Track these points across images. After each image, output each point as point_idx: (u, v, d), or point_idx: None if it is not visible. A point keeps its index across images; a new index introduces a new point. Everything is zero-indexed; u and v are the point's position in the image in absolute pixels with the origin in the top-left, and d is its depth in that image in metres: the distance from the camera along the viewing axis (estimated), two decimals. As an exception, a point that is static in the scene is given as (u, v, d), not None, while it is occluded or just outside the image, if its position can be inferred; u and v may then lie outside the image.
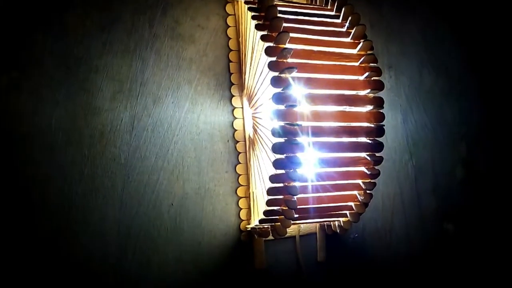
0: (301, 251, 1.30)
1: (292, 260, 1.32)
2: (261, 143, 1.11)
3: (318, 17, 1.10)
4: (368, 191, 1.04)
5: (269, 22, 0.97)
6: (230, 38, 1.30)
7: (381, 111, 1.03)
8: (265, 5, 0.99)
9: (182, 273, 1.20)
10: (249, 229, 1.21)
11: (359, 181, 1.05)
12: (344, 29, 1.09)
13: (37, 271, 1.06)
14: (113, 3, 1.18)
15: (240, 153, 1.29)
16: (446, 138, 1.65)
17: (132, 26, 1.20)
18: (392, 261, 1.50)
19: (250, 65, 1.14)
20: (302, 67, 0.98)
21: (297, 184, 0.96)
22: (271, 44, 0.96)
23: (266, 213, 1.00)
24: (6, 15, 1.07)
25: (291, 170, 0.95)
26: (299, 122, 0.94)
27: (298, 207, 0.97)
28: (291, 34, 0.98)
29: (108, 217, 1.12)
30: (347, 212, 1.09)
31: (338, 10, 1.13)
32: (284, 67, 0.93)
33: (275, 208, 1.00)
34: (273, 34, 0.98)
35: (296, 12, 1.08)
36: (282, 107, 0.93)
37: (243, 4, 1.16)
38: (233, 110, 1.29)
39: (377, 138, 1.04)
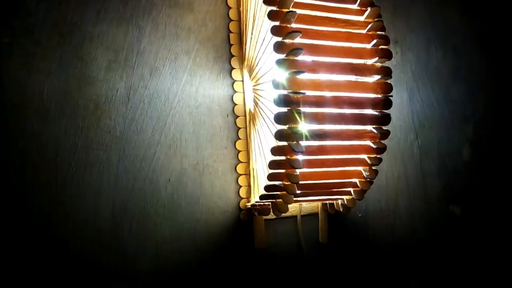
0: (302, 231, 1.26)
1: (293, 240, 1.29)
2: (262, 117, 1.07)
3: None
4: (373, 167, 1.00)
5: (281, 1, 0.92)
6: (230, 8, 1.26)
7: (388, 81, 0.99)
8: None
9: (180, 252, 1.16)
10: (249, 206, 1.16)
11: (365, 156, 1.01)
12: (356, 6, 1.04)
13: (29, 246, 1.03)
14: None
15: (240, 128, 1.26)
16: (452, 118, 1.62)
17: None
18: (395, 242, 1.48)
19: (252, 35, 1.09)
20: (306, 33, 0.94)
21: (300, 157, 0.91)
22: (274, 7, 0.90)
23: (267, 188, 0.96)
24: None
25: (294, 142, 0.90)
26: (302, 91, 0.88)
27: (300, 182, 0.92)
28: (299, 10, 0.95)
29: (103, 192, 1.09)
30: (351, 189, 1.04)
31: None
32: (288, 32, 0.87)
33: (276, 183, 0.96)
34: (280, 10, 0.92)
35: None
36: (285, 74, 0.87)
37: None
38: (233, 83, 1.26)
39: (384, 110, 0.99)
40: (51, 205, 1.04)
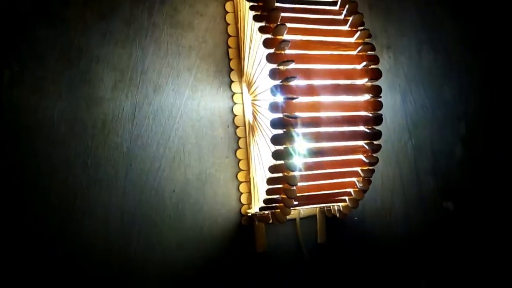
0: (301, 233, 1.34)
1: (292, 242, 1.37)
2: (260, 130, 1.14)
3: (315, 4, 1.12)
4: (366, 178, 1.08)
5: (267, 13, 0.99)
6: (228, 24, 1.32)
7: (379, 99, 1.05)
8: None
9: (185, 258, 1.24)
10: (250, 214, 1.24)
11: (358, 169, 1.08)
12: (341, 17, 1.11)
13: (42, 261, 1.11)
14: None
15: (240, 138, 1.32)
16: (445, 118, 1.66)
17: (131, 16, 1.22)
18: (392, 240, 1.54)
19: (249, 53, 1.16)
20: (300, 58, 1.01)
21: (296, 173, 0.99)
22: (269, 36, 0.97)
23: (266, 201, 1.04)
24: (6, 9, 1.10)
25: (290, 161, 0.98)
26: (297, 113, 0.96)
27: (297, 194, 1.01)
28: (289, 25, 1.01)
29: (112, 206, 1.16)
30: (346, 197, 1.12)
31: None
32: (282, 60, 0.95)
33: (274, 196, 1.04)
34: (271, 25, 0.99)
35: (294, 0, 1.09)
36: (280, 99, 0.95)
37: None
38: (232, 96, 1.32)
39: (375, 127, 1.05)
40: (62, 222, 1.12)
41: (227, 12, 1.32)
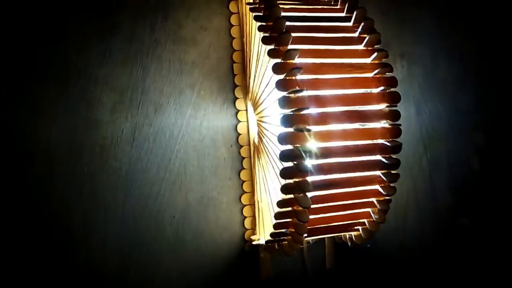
0: (308, 258, 1.32)
1: (299, 268, 1.34)
2: (266, 154, 1.12)
3: (327, 21, 1.09)
4: (383, 210, 1.04)
5: (277, 35, 0.95)
6: (233, 38, 1.29)
7: (397, 126, 1.03)
8: (272, 15, 0.98)
9: (187, 286, 1.23)
10: (255, 242, 1.21)
11: (373, 199, 1.04)
12: (356, 35, 1.07)
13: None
14: (112, 10, 1.18)
15: (244, 158, 1.30)
16: (462, 129, 1.63)
17: (132, 33, 1.20)
18: (406, 263, 1.51)
19: (255, 72, 1.12)
20: (311, 84, 0.98)
21: (306, 207, 0.96)
22: (279, 60, 0.95)
23: (273, 235, 1.00)
24: (4, 27, 1.08)
25: (301, 195, 0.94)
26: (308, 146, 0.96)
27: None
28: (300, 46, 0.98)
29: (110, 234, 1.14)
30: (360, 227, 1.09)
31: (349, 11, 1.10)
32: (293, 87, 0.93)
33: (282, 230, 1.00)
34: (281, 48, 0.96)
35: (304, 17, 1.07)
36: (290, 129, 0.94)
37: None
38: (236, 113, 1.30)
39: (393, 155, 1.03)
40: (57, 249, 1.10)
41: (232, 26, 1.29)
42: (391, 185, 1.05)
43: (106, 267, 1.12)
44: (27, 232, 1.07)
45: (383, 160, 1.03)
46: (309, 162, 0.96)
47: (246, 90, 1.27)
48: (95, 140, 1.12)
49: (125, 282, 1.13)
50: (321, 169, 0.97)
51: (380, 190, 1.04)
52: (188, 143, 1.23)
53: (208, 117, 1.26)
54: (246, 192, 1.26)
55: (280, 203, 0.97)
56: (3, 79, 1.05)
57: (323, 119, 0.98)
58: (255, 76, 1.14)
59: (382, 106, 1.03)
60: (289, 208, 0.98)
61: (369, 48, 1.07)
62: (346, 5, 1.10)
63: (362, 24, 1.05)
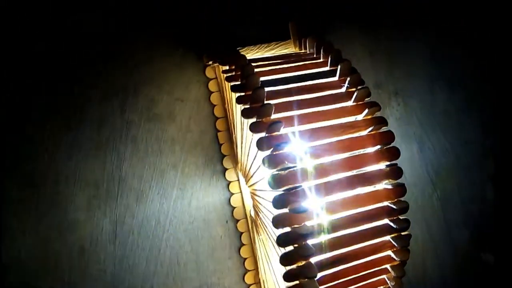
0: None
1: None
2: (265, 231, 1.06)
3: (311, 78, 1.04)
4: (398, 276, 0.96)
5: (258, 106, 0.91)
6: (215, 105, 1.24)
7: (401, 185, 0.97)
8: (251, 85, 0.94)
9: None
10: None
11: (387, 266, 0.97)
12: (343, 90, 1.02)
13: None
14: (74, 95, 1.13)
15: (242, 233, 1.23)
16: (471, 159, 1.58)
17: (100, 117, 1.15)
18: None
19: (242, 142, 1.06)
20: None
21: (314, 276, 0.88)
22: (263, 134, 0.91)
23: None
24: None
25: (306, 280, 0.86)
26: (307, 224, 0.90)
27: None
28: (286, 114, 0.95)
29: None
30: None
31: (333, 64, 1.05)
32: (282, 163, 0.89)
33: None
34: (264, 121, 0.91)
35: (286, 79, 1.02)
36: (285, 211, 0.88)
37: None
38: (228, 185, 1.24)
39: (400, 216, 0.98)
40: None
41: (211, 92, 1.24)
42: (403, 248, 0.98)
43: None
44: None
45: (391, 224, 0.97)
46: (311, 242, 0.89)
47: (235, 158, 1.21)
48: (72, 244, 1.06)
49: None
50: (325, 247, 0.89)
51: (392, 255, 0.97)
52: (178, 229, 1.17)
53: (197, 195, 1.20)
54: (249, 270, 1.20)
55: (286, 276, 0.90)
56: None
57: (319, 191, 0.92)
58: (242, 146, 1.08)
59: (382, 165, 0.98)
60: (296, 282, 0.90)
61: (359, 103, 1.00)
62: (329, 58, 1.04)
63: (349, 78, 0.99)
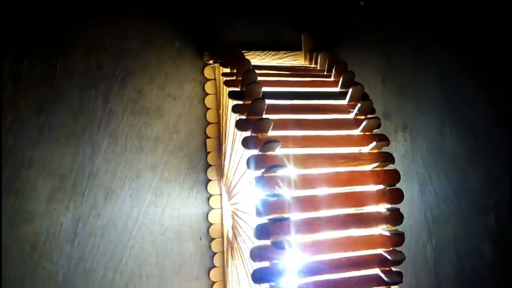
0: None
1: None
2: (241, 257, 0.98)
3: (317, 97, 0.97)
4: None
5: (255, 119, 0.84)
6: (208, 109, 1.17)
7: (400, 233, 0.90)
8: (251, 94, 0.87)
9: None
10: None
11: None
12: (351, 116, 0.96)
13: None
14: (56, 76, 1.06)
15: (215, 253, 1.16)
16: (472, 210, 1.51)
17: (81, 104, 1.07)
18: None
19: (231, 154, 0.99)
20: (295, 181, 0.85)
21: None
22: (256, 151, 0.83)
23: None
24: None
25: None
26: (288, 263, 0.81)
27: None
28: (283, 132, 0.88)
29: None
30: None
31: (344, 85, 0.99)
32: (273, 188, 0.81)
33: None
34: (260, 136, 0.85)
35: (291, 93, 0.96)
36: (266, 243, 0.80)
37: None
38: (209, 198, 1.17)
39: (393, 268, 0.90)
40: None
41: (207, 94, 1.17)
42: (396, 301, 0.88)
43: None
44: None
45: (382, 275, 0.89)
46: (289, 282, 0.81)
47: (221, 171, 1.14)
48: (25, 238, 0.98)
49: None
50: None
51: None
52: (146, 238, 1.09)
53: (173, 204, 1.13)
54: (216, 296, 1.08)
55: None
56: None
57: (308, 227, 0.84)
58: (230, 159, 1.00)
59: (382, 207, 0.91)
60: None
61: (367, 133, 0.94)
62: (341, 78, 0.97)
63: (359, 104, 0.93)
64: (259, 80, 0.89)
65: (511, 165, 1.57)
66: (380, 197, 0.90)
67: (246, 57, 1.04)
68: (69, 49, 1.06)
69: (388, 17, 1.41)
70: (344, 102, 0.98)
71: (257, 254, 0.80)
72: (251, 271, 0.81)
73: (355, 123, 0.95)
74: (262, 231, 0.79)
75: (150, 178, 1.11)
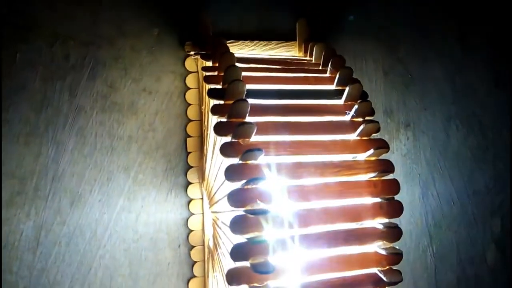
0: None
1: None
2: (222, 271, 0.92)
3: (310, 96, 0.91)
4: None
5: (236, 123, 0.77)
6: (189, 104, 1.11)
7: (399, 252, 0.83)
8: (233, 93, 0.79)
9: None
10: None
11: None
12: (348, 118, 0.89)
13: None
14: (15, 66, 0.98)
15: (195, 262, 1.10)
16: (477, 215, 1.47)
17: (43, 98, 1.01)
18: None
19: (212, 158, 0.93)
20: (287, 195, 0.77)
21: None
22: (235, 160, 0.76)
23: None
24: None
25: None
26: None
27: None
28: (269, 137, 0.81)
29: None
30: None
31: (341, 83, 0.92)
32: (253, 203, 0.73)
33: None
34: (241, 142, 0.77)
35: (280, 91, 0.89)
36: (244, 264, 0.73)
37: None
38: (188, 203, 1.10)
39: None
40: None
41: (188, 88, 1.10)
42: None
43: None
44: None
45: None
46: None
47: (202, 173, 1.07)
48: (-21, 246, 0.89)
49: None
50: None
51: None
52: (117, 246, 1.04)
53: (148, 209, 1.07)
54: (195, 309, 1.04)
55: None
56: None
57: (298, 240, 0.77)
58: (211, 162, 0.95)
59: (378, 222, 0.84)
60: None
61: (364, 138, 0.87)
62: (338, 75, 0.91)
63: (357, 105, 0.87)
64: (243, 77, 0.82)
65: (520, 167, 1.48)
66: (376, 210, 0.84)
67: (233, 47, 0.98)
68: (31, 36, 0.99)
69: (394, 4, 1.36)
70: (340, 102, 0.91)
71: (234, 277, 0.73)
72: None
73: (351, 127, 0.88)
74: (238, 253, 0.73)
75: (123, 181, 1.05)
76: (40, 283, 0.97)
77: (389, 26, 1.34)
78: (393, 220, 0.85)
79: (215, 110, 0.80)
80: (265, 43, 1.11)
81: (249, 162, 0.76)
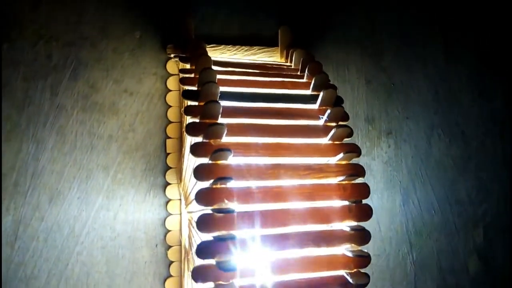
0: None
1: None
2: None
3: (285, 100, 0.93)
4: None
5: (206, 124, 0.79)
6: (170, 106, 1.13)
7: (366, 254, 0.84)
8: (206, 94, 0.81)
9: None
10: None
11: None
12: (320, 123, 0.91)
13: None
14: None
15: (172, 262, 1.11)
16: (458, 224, 1.48)
17: (25, 96, 1.03)
18: None
19: (188, 159, 0.94)
20: (246, 195, 0.81)
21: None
22: (204, 160, 0.78)
23: None
24: None
25: None
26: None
27: None
28: (240, 138, 0.83)
29: None
30: None
31: (316, 88, 0.94)
32: (220, 202, 0.76)
33: None
34: (212, 142, 0.80)
35: (254, 95, 0.91)
36: (210, 262, 0.75)
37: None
38: (167, 203, 1.12)
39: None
40: None
41: (169, 91, 1.12)
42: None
43: None
44: None
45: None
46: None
47: (180, 174, 1.09)
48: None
49: None
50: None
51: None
52: (95, 243, 1.05)
53: (126, 208, 1.09)
54: (171, 308, 1.06)
55: None
56: None
57: (262, 245, 0.80)
58: (187, 163, 0.96)
59: (347, 225, 0.86)
60: None
61: (336, 142, 0.90)
62: (313, 80, 0.94)
63: (329, 110, 0.88)
64: (219, 79, 0.85)
65: (503, 177, 1.55)
66: (345, 213, 0.86)
67: (215, 52, 1.00)
68: (14, 36, 1.01)
69: (378, 12, 1.38)
70: (315, 107, 0.93)
71: (199, 274, 0.75)
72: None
73: (324, 131, 0.90)
74: (204, 250, 0.74)
75: (102, 180, 1.07)
76: (17, 277, 0.98)
77: (372, 34, 1.36)
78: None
79: (188, 111, 0.82)
80: (247, 48, 1.13)
81: (219, 162, 0.78)
